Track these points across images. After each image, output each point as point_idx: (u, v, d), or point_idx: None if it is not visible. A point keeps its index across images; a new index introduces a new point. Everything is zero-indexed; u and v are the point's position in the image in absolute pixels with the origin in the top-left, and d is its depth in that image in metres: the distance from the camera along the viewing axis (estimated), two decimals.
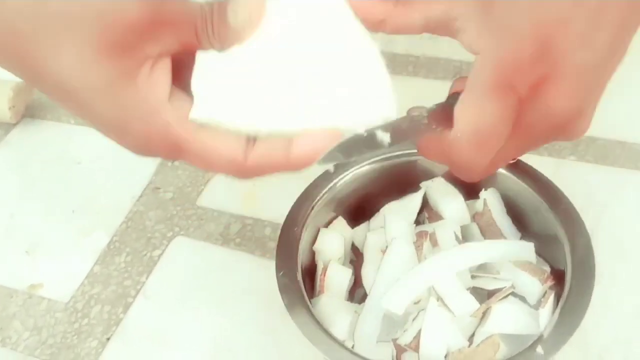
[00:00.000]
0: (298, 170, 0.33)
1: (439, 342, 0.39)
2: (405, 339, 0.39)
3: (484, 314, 0.40)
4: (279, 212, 0.44)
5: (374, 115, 0.33)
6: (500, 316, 0.39)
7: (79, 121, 0.66)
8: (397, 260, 0.41)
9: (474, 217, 0.45)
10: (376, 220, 0.45)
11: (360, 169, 0.46)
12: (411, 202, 0.45)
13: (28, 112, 0.67)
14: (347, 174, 0.46)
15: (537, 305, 0.40)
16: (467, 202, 0.45)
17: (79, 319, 0.50)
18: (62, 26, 0.30)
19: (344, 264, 0.45)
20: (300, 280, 0.41)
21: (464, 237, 0.44)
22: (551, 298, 0.39)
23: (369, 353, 0.38)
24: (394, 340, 0.40)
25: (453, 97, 0.34)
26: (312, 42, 0.33)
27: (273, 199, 0.51)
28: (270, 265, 0.42)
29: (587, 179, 0.52)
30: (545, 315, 0.38)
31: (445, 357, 0.39)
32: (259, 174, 0.34)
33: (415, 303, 0.39)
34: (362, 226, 0.46)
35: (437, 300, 0.39)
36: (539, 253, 0.42)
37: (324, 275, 0.43)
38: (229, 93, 0.33)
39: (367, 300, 0.41)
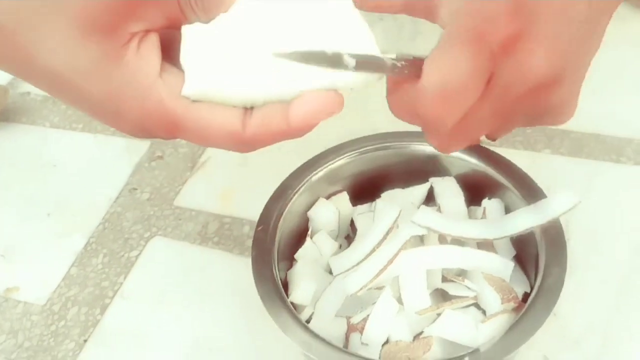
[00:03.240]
0: (299, 136, 0.32)
1: (382, 329, 0.39)
2: (356, 319, 0.40)
3: (439, 316, 0.40)
4: (257, 211, 0.44)
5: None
6: (447, 322, 0.39)
7: (55, 124, 0.65)
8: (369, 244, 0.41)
9: None
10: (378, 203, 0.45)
11: (377, 152, 0.46)
12: (414, 193, 0.45)
13: (3, 116, 0.66)
14: (360, 154, 0.47)
15: None
16: (471, 207, 0.45)
17: (55, 321, 0.49)
18: (44, 15, 0.30)
19: (336, 238, 0.45)
20: (278, 237, 0.42)
21: (458, 239, 0.44)
22: (501, 317, 0.38)
23: (325, 324, 0.39)
24: (348, 318, 0.41)
25: None
26: (294, 2, 0.33)
27: (251, 198, 0.51)
28: (249, 263, 0.41)
29: (562, 172, 0.52)
30: (485, 331, 0.38)
31: (383, 345, 0.39)
32: (260, 144, 0.33)
33: (377, 288, 0.40)
34: (364, 206, 0.46)
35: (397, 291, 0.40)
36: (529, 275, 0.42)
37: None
38: (219, 65, 0.32)
39: (336, 276, 0.41)
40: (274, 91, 0.32)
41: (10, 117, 0.66)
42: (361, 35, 0.33)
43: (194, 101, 0.32)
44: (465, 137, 0.34)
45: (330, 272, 0.43)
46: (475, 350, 0.36)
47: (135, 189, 0.58)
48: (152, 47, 0.32)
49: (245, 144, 0.33)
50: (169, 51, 0.33)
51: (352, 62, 0.32)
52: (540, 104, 0.32)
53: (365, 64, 0.32)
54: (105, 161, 0.61)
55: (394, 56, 0.32)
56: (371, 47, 0.33)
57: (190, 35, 0.33)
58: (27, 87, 0.69)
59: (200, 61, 0.32)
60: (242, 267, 0.49)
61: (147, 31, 0.32)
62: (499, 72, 0.31)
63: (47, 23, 0.30)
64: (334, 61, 0.32)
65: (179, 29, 0.33)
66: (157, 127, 0.33)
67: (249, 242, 0.51)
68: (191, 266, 0.51)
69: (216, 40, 0.32)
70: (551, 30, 0.30)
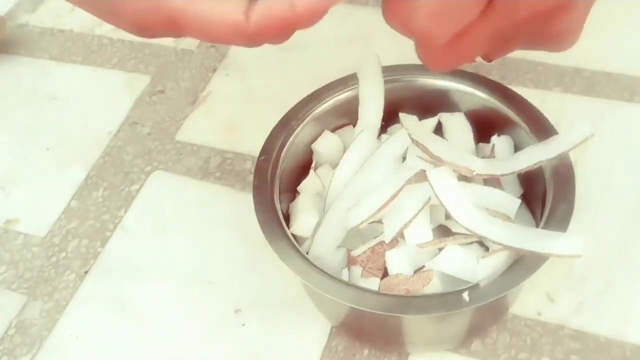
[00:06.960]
0: (307, 24, 0.29)
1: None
2: (357, 252, 0.40)
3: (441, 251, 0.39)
4: (259, 146, 0.43)
5: None
6: (448, 256, 0.38)
7: (54, 56, 0.64)
8: (373, 176, 0.40)
9: None
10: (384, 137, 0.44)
11: (386, 85, 0.44)
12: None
13: (1, 48, 0.65)
14: None
15: None
16: (479, 144, 0.44)
17: (56, 253, 0.49)
18: None
19: None
20: (281, 169, 0.42)
21: (465, 176, 0.43)
22: (503, 253, 0.37)
23: (325, 255, 0.39)
24: (349, 250, 0.40)
25: None
26: None
27: (254, 133, 0.50)
28: (251, 198, 0.41)
29: (573, 111, 0.51)
30: (486, 266, 0.37)
31: (382, 277, 0.39)
32: (265, 36, 0.30)
33: (379, 222, 0.39)
34: None
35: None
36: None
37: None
38: None
39: (332, 207, 0.41)
40: None
41: (8, 48, 0.65)
42: None
43: None
44: (459, 56, 0.31)
45: None
46: (475, 286, 0.36)
47: (136, 123, 0.57)
48: None
49: (249, 36, 0.30)
50: None
51: None
52: (544, 29, 0.30)
53: None
54: (106, 95, 0.60)
55: None
56: None
57: None
58: (25, 18, 0.68)
59: None
60: (243, 203, 0.49)
61: None
62: None
63: None
64: None
65: None
66: (155, 23, 0.31)
67: (251, 178, 0.50)
68: (192, 201, 0.51)
69: None
70: None
